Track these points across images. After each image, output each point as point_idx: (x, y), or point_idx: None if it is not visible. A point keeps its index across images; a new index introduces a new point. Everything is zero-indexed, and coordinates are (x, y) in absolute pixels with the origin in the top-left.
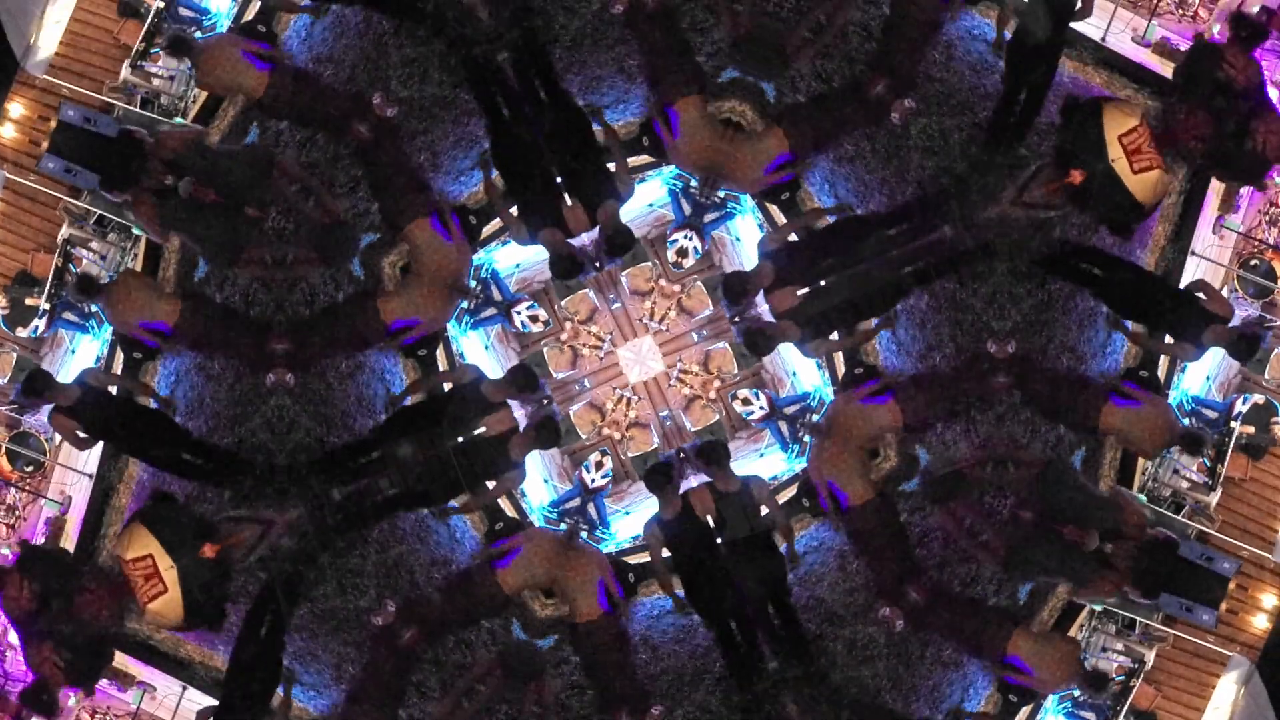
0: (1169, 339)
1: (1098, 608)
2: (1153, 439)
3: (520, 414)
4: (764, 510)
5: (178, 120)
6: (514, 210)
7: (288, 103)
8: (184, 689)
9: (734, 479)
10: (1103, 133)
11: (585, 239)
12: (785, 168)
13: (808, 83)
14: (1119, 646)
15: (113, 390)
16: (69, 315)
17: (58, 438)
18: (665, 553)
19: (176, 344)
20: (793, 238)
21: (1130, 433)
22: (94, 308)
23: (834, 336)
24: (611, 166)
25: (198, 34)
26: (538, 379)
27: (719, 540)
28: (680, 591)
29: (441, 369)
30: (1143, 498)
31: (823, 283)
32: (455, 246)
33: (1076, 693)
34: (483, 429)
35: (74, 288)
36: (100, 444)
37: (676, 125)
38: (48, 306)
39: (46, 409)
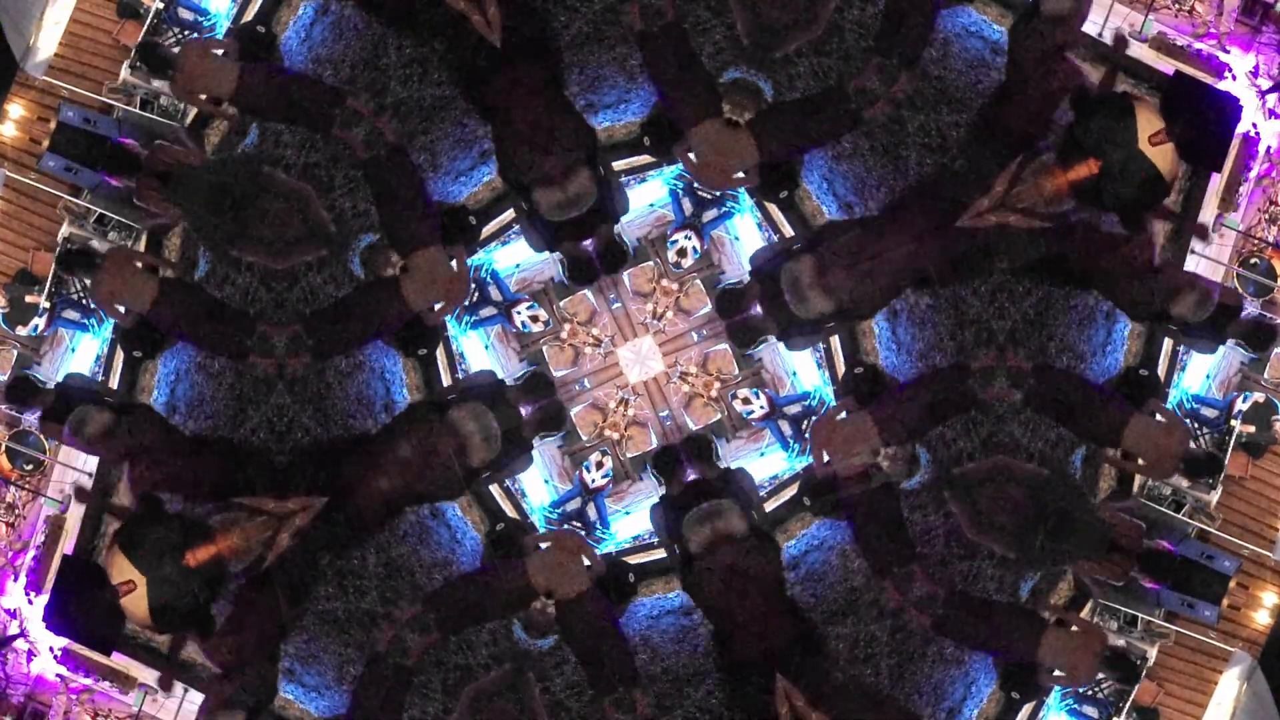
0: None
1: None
2: (1163, 461)
3: (521, 413)
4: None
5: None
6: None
7: (262, 97)
8: (185, 691)
9: (717, 470)
10: (1135, 133)
11: (586, 241)
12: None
13: (805, 81)
14: (1121, 643)
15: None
16: (69, 314)
17: None
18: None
19: (157, 324)
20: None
21: (1144, 451)
22: (94, 305)
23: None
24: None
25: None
26: (552, 385)
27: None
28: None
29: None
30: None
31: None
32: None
33: (1080, 689)
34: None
35: (71, 261)
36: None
37: (694, 147)
38: (48, 305)
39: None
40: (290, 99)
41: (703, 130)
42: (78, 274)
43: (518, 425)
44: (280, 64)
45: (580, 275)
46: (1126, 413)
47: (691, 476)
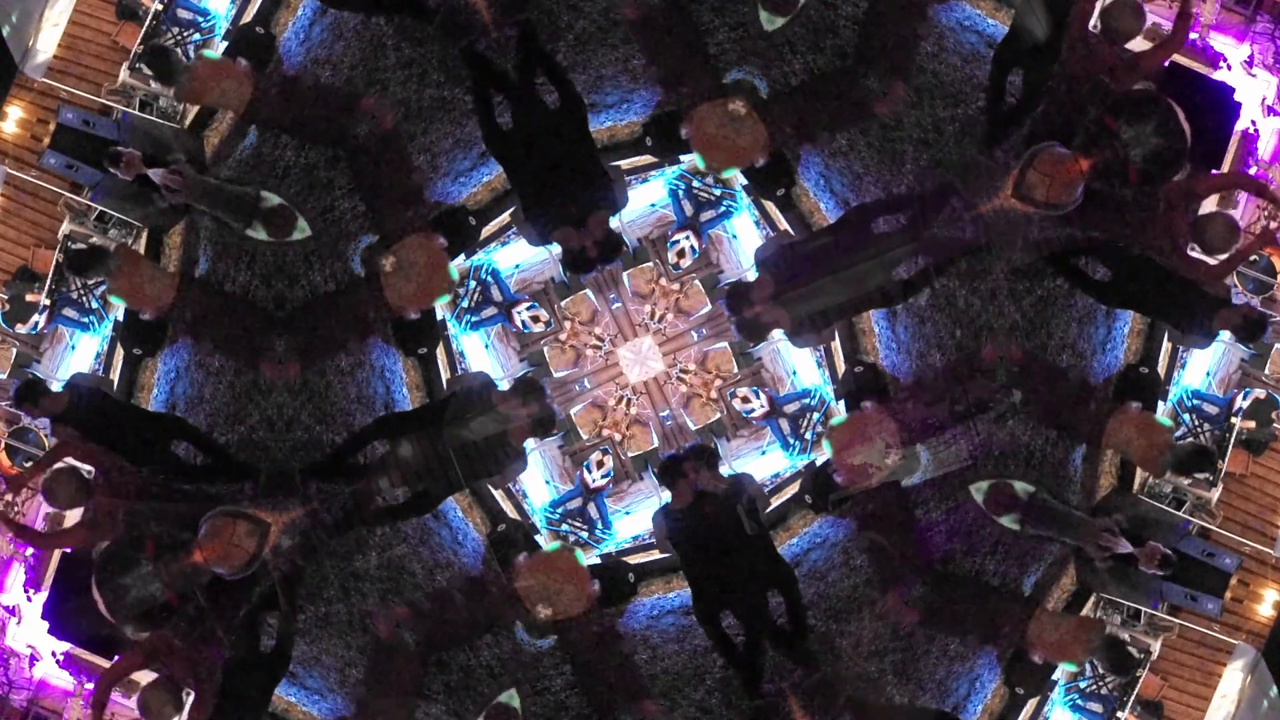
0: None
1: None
2: (1151, 458)
3: (519, 415)
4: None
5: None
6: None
7: (272, 110)
8: (188, 694)
9: (722, 478)
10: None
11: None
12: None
13: (800, 79)
14: (1125, 637)
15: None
16: (69, 311)
17: None
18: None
19: (172, 322)
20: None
21: (1130, 450)
22: (94, 303)
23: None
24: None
25: (182, 48)
26: (544, 390)
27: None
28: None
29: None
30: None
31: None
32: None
33: (1084, 684)
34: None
35: (81, 258)
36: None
37: (696, 131)
38: (48, 302)
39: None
40: (304, 112)
41: (705, 110)
42: (89, 276)
43: (505, 432)
44: (290, 78)
45: (577, 266)
46: (1107, 412)
47: (698, 487)
